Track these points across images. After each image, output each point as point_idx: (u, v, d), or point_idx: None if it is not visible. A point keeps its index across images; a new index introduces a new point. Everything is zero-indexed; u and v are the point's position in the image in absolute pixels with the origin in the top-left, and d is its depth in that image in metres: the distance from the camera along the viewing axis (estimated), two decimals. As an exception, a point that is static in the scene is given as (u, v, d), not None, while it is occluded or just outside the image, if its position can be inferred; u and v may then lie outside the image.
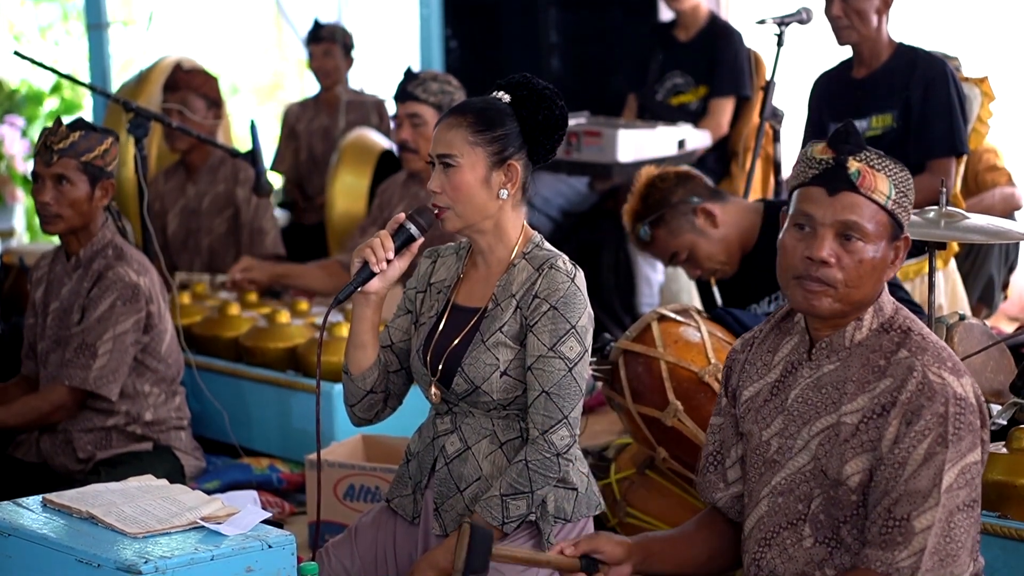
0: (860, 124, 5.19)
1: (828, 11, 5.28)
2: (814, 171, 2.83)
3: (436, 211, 3.31)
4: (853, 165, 2.80)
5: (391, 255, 3.29)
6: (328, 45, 7.62)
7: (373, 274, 3.29)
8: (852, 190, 2.79)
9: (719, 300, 4.83)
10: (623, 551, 2.89)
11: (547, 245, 3.37)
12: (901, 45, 5.33)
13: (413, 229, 3.31)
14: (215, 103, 6.18)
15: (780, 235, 2.89)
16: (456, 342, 3.33)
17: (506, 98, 3.33)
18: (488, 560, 2.83)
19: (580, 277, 3.30)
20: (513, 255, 3.34)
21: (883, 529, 2.76)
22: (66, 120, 4.49)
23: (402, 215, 3.33)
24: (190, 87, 6.12)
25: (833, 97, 5.36)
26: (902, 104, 5.21)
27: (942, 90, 5.20)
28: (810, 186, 2.83)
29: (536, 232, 3.38)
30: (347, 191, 6.78)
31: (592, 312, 3.30)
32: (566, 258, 3.32)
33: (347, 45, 7.71)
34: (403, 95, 5.45)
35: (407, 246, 3.32)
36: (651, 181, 4.60)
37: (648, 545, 2.93)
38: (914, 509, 2.73)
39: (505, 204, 3.32)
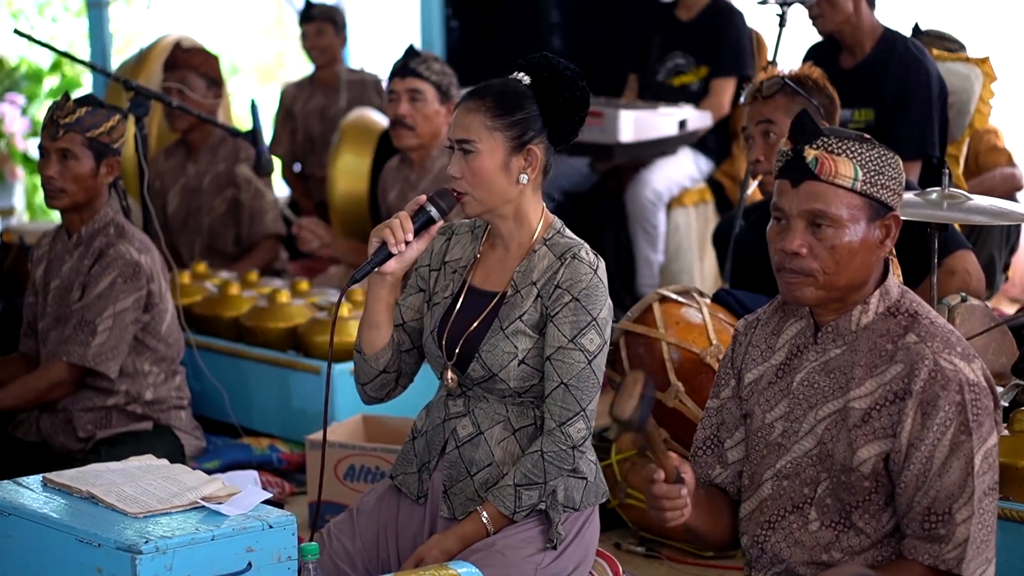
0: (844, 114, 5.18)
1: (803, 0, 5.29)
2: (779, 164, 2.86)
3: (456, 195, 3.29)
4: (810, 153, 2.81)
5: (410, 236, 3.26)
6: (319, 24, 7.62)
7: (391, 255, 3.26)
8: (813, 179, 2.80)
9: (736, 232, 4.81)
10: (695, 484, 2.83)
11: (568, 232, 3.33)
12: (886, 33, 5.31)
13: (433, 212, 3.27)
14: (215, 82, 6.16)
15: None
16: (474, 327, 3.30)
17: (526, 80, 3.28)
18: (648, 417, 2.68)
19: (602, 268, 3.26)
20: (534, 239, 3.31)
21: (925, 524, 2.77)
22: (75, 96, 4.49)
23: (423, 197, 3.30)
24: (189, 66, 6.10)
25: None
26: (880, 102, 5.21)
27: (914, 92, 5.17)
28: (779, 179, 2.86)
29: (557, 218, 3.35)
30: (349, 171, 6.77)
31: (612, 304, 3.28)
32: (588, 247, 3.28)
33: (338, 23, 7.70)
34: (404, 70, 5.44)
35: (426, 228, 3.29)
36: (823, 78, 4.44)
37: (695, 494, 2.90)
38: (954, 503, 2.75)
39: (525, 188, 3.28)
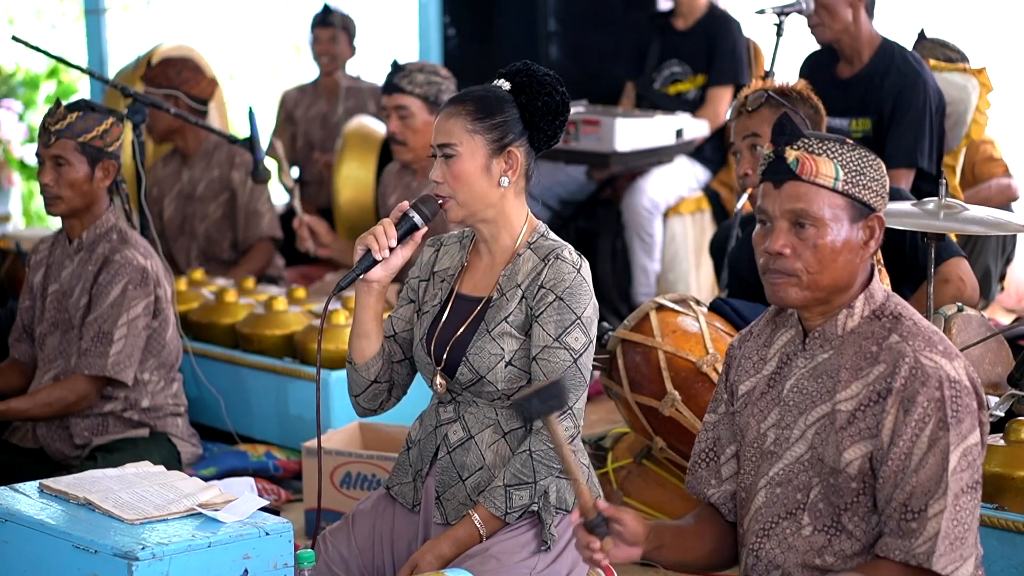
0: (841, 124, 5.19)
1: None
2: (762, 167, 2.89)
3: (439, 201, 3.30)
4: (791, 154, 2.83)
5: (394, 243, 3.29)
6: (335, 31, 7.64)
7: (376, 262, 3.29)
8: (795, 179, 2.82)
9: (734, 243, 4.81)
10: (642, 533, 2.85)
11: (552, 235, 3.37)
12: (885, 43, 5.31)
13: (416, 218, 3.31)
14: (171, 91, 6.06)
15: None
16: (460, 331, 3.32)
17: (506, 85, 3.33)
18: (547, 411, 2.70)
19: (585, 268, 3.30)
20: (518, 244, 3.34)
21: (900, 522, 2.77)
22: (67, 102, 4.49)
23: (406, 203, 3.33)
24: (146, 79, 6.09)
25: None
26: (877, 112, 5.22)
27: (910, 103, 5.18)
28: (762, 183, 2.88)
29: (541, 222, 3.38)
30: (353, 179, 6.77)
31: (597, 303, 3.30)
32: (571, 248, 3.32)
33: (351, 34, 7.73)
34: (389, 87, 5.44)
35: (410, 235, 3.32)
36: (807, 89, 4.48)
37: (662, 533, 2.92)
38: (929, 498, 2.74)
39: (507, 192, 3.31)
